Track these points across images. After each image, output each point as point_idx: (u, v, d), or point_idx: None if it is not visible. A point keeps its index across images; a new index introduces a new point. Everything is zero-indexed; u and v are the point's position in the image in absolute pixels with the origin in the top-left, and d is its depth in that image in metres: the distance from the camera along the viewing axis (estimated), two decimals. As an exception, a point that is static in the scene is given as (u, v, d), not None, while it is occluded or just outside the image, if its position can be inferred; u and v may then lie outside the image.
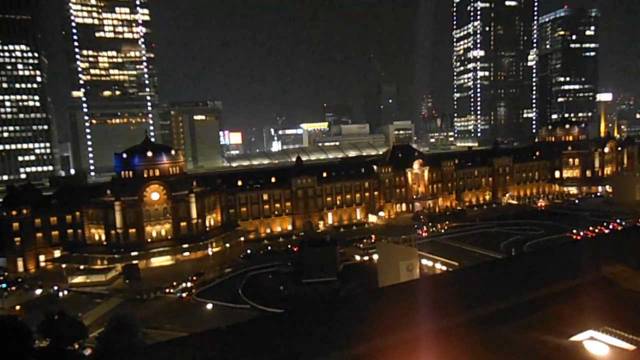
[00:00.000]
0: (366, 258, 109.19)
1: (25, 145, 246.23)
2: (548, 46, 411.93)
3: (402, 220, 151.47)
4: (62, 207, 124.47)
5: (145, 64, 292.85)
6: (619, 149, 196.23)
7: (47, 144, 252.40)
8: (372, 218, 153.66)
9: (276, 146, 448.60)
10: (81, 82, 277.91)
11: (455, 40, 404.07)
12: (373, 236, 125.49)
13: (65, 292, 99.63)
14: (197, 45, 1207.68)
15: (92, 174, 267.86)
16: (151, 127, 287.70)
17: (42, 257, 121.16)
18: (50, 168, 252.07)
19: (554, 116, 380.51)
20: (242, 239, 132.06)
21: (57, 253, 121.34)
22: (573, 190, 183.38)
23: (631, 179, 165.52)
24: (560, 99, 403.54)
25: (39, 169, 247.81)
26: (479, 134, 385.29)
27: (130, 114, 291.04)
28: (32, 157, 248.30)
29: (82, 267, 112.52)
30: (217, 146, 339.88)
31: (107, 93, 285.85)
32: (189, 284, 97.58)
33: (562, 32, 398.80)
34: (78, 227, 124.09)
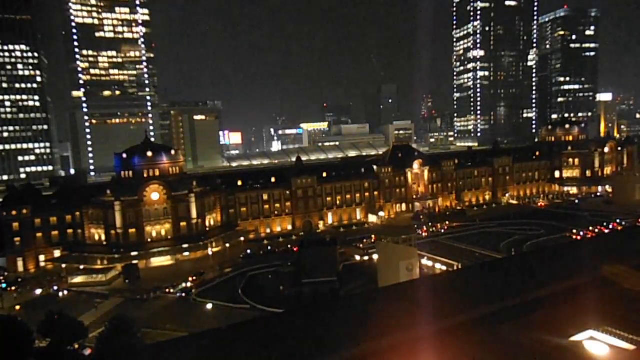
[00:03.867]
0: (366, 258, 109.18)
1: (25, 145, 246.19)
2: (548, 46, 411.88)
3: (402, 220, 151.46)
4: (62, 207, 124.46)
5: (145, 64, 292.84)
6: (619, 149, 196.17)
7: (47, 144, 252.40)
8: (372, 218, 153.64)
9: (276, 146, 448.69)
10: (81, 82, 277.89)
11: (455, 40, 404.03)
12: (373, 236, 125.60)
13: (65, 292, 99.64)
14: (197, 45, 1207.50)
15: (92, 174, 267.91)
16: (151, 127, 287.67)
17: (42, 257, 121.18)
18: (50, 168, 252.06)
19: (554, 116, 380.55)
20: (242, 239, 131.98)
21: (57, 253, 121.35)
22: (573, 190, 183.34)
23: (631, 179, 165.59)
24: (560, 99, 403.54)
25: (39, 169, 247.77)
26: (479, 134, 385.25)
27: (130, 114, 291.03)
28: (32, 157, 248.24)
29: (82, 267, 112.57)
30: (217, 146, 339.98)
31: (107, 93, 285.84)
32: (189, 284, 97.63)
33: (562, 32, 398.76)
34: (78, 227, 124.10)
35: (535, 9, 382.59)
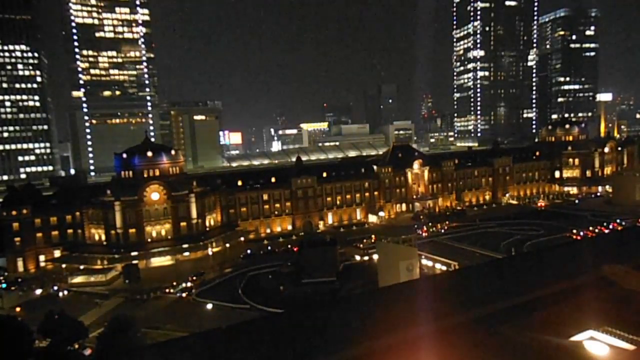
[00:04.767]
0: (366, 258, 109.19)
1: (25, 145, 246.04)
2: (548, 46, 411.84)
3: (402, 220, 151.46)
4: (62, 207, 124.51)
5: (145, 64, 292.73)
6: (619, 149, 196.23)
7: (47, 144, 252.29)
8: (372, 218, 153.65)
9: (276, 146, 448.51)
10: (81, 82, 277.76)
11: (455, 40, 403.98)
12: (373, 236, 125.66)
13: (65, 292, 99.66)
14: (197, 45, 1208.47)
15: (92, 174, 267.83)
16: (151, 127, 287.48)
17: (42, 257, 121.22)
18: (50, 168, 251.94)
19: (554, 116, 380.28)
20: (242, 239, 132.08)
21: (57, 253, 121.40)
22: (573, 190, 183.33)
23: (631, 179, 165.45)
24: (560, 99, 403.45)
25: (39, 169, 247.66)
26: (479, 134, 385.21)
27: (130, 114, 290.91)
28: (32, 157, 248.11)
29: (82, 267, 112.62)
30: (217, 146, 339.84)
31: (107, 93, 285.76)
32: (189, 284, 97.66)
33: (562, 32, 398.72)
34: (78, 227, 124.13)
35: (535, 9, 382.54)
